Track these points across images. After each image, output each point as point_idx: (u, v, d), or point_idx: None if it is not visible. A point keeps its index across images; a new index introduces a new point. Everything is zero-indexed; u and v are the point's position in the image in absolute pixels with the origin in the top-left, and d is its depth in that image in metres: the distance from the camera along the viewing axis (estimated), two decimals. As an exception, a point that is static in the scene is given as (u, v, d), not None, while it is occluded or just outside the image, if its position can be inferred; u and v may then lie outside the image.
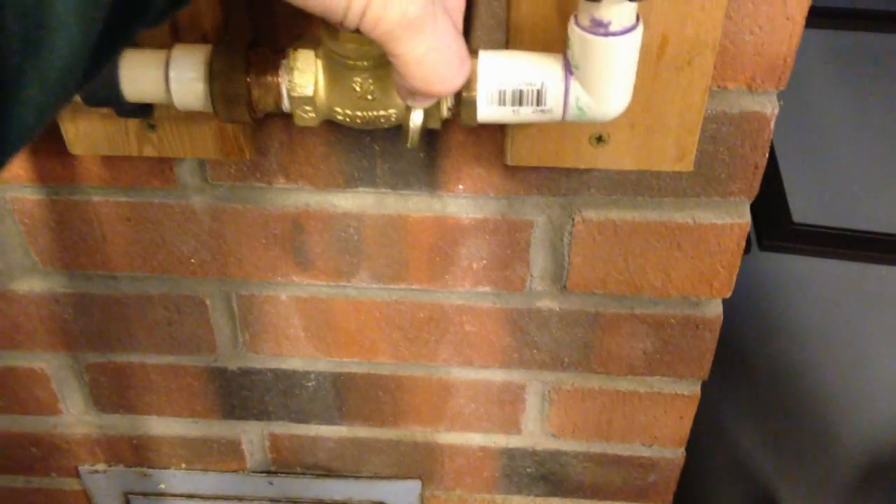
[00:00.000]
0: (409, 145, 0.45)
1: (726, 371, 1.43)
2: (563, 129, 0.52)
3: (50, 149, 0.60)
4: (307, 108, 0.46)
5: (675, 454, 0.77)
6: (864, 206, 1.66)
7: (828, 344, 1.46)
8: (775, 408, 1.37)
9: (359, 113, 0.46)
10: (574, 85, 0.45)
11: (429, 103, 0.42)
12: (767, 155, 0.57)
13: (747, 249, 1.69)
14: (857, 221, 1.61)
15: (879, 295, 1.52)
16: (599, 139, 0.53)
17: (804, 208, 1.65)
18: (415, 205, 0.63)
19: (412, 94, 0.38)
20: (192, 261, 0.67)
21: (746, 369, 1.42)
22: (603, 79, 0.44)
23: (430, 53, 0.35)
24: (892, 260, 1.56)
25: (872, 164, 1.75)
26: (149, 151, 0.54)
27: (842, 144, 1.80)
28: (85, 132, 0.53)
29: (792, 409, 1.36)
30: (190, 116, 0.53)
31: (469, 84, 0.45)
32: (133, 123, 0.53)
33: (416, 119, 0.44)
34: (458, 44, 0.36)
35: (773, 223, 1.64)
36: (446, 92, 0.37)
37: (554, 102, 0.45)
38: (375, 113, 0.46)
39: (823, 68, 1.94)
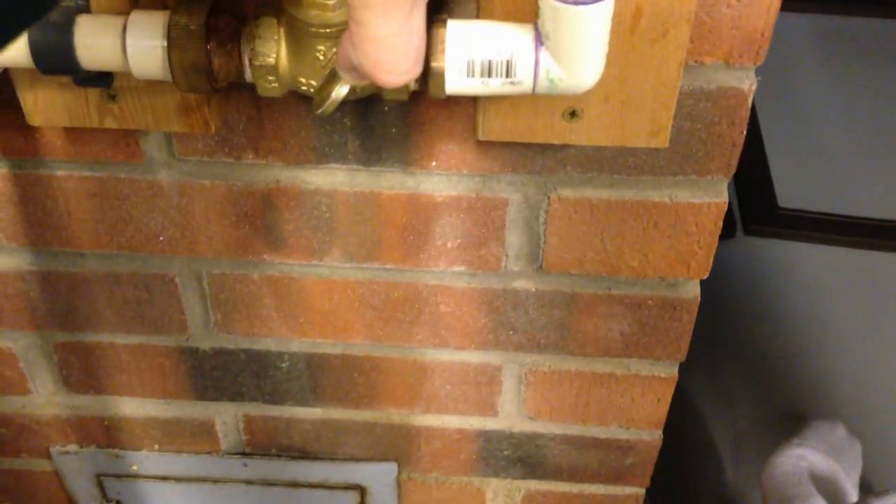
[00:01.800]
0: (318, 112, 0.43)
1: (709, 354, 1.42)
2: (535, 103, 0.51)
3: (11, 121, 0.59)
4: (270, 77, 0.45)
5: (652, 436, 0.77)
6: (850, 192, 1.66)
7: (812, 328, 1.46)
8: (758, 394, 1.37)
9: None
10: (545, 56, 0.44)
11: (361, 84, 0.41)
12: (745, 132, 0.56)
13: (732, 234, 1.70)
14: (842, 207, 1.61)
15: (864, 280, 1.52)
16: (573, 114, 0.51)
17: (790, 193, 1.65)
18: (387, 182, 0.61)
19: (353, 68, 0.37)
20: (161, 238, 0.65)
21: (730, 354, 1.42)
22: (574, 50, 0.43)
23: (392, 39, 0.34)
24: (877, 245, 1.56)
25: (859, 150, 1.75)
26: (110, 123, 0.53)
27: (828, 130, 1.79)
28: (44, 102, 0.52)
29: (773, 394, 1.36)
30: (152, 87, 0.51)
31: (437, 54, 0.44)
32: (93, 93, 0.51)
33: (341, 92, 0.43)
34: (421, 42, 0.35)
35: (758, 208, 1.64)
36: (387, 83, 0.36)
37: (524, 74, 0.44)
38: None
39: (811, 52, 1.93)
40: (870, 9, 2.00)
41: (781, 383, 1.38)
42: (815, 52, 1.94)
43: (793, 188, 1.66)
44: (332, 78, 0.43)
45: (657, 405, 0.74)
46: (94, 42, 0.44)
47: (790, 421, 1.27)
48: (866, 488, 1.13)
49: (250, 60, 0.44)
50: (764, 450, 1.06)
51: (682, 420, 0.81)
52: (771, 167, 1.69)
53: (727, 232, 1.56)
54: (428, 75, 0.44)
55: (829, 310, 1.48)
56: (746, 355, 1.42)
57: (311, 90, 0.45)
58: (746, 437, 1.29)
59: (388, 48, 0.34)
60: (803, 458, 0.99)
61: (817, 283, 1.53)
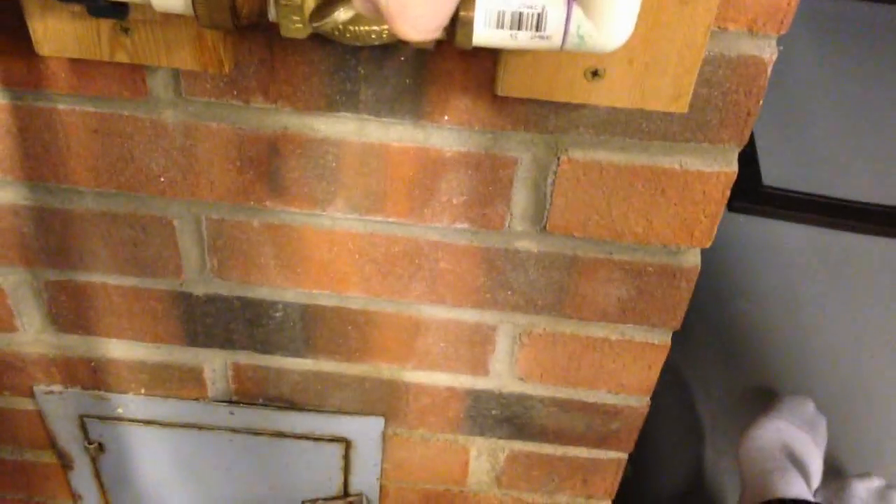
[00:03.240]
0: (312, 24, 0.42)
1: (688, 329, 1.44)
2: (558, 60, 0.51)
3: (15, 49, 0.57)
4: (295, 17, 0.44)
5: (640, 402, 0.77)
6: (835, 174, 1.67)
7: (790, 308, 1.48)
8: (734, 369, 1.39)
9: (350, 27, 0.44)
10: (576, 11, 0.43)
11: (370, 15, 0.39)
12: (761, 102, 0.56)
13: (718, 209, 1.69)
14: (827, 188, 1.63)
15: (844, 262, 1.54)
16: (595, 74, 0.51)
17: (775, 172, 1.66)
18: (397, 133, 0.61)
19: (373, 3, 0.35)
20: (162, 179, 0.64)
21: (707, 327, 1.43)
22: (606, 6, 0.42)
23: None
24: (859, 228, 1.58)
25: (846, 132, 1.76)
26: (121, 57, 0.52)
27: (816, 110, 1.80)
28: (54, 31, 0.50)
29: (751, 372, 1.38)
30: (167, 21, 0.50)
31: (467, 3, 0.43)
32: (106, 25, 0.50)
33: (342, 15, 0.42)
34: (450, 9, 0.34)
35: (743, 185, 1.64)
36: (406, 35, 0.34)
37: (554, 28, 0.44)
38: (367, 28, 0.44)
39: (801, 33, 1.93)
40: (864, -8, 2.00)
41: (756, 359, 1.40)
42: (805, 33, 1.94)
43: (778, 167, 1.67)
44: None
45: (648, 372, 0.75)
46: (115, -31, 0.42)
47: (764, 396, 1.30)
48: (831, 463, 1.16)
49: (276, -2, 0.43)
50: (740, 424, 1.08)
51: (659, 393, 0.83)
52: (757, 145, 1.70)
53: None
54: (456, 24, 0.44)
55: (808, 289, 1.50)
56: (724, 330, 1.44)
57: (336, 32, 0.44)
58: (723, 410, 1.31)
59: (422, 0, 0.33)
60: (780, 430, 1.01)
61: (798, 262, 1.54)
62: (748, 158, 1.68)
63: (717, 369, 1.38)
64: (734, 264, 1.54)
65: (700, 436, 1.29)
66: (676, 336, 0.73)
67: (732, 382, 1.36)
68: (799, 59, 1.89)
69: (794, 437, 1.04)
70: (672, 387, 1.33)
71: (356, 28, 0.44)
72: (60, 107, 0.60)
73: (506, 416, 0.81)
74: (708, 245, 0.65)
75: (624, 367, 0.74)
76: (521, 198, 0.63)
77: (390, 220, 0.66)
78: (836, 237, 1.57)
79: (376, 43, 0.45)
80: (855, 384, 1.36)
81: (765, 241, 1.58)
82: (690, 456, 1.26)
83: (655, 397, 0.78)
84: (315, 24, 0.42)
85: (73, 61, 0.57)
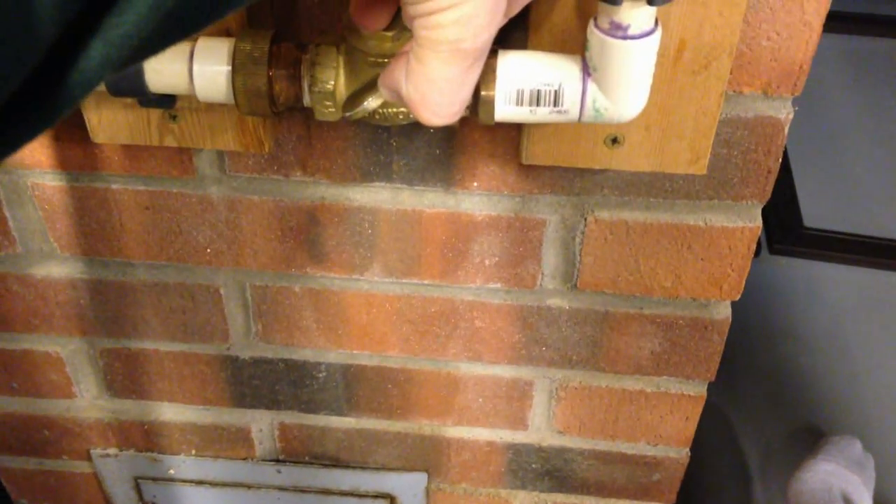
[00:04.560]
0: (345, 114, 0.45)
1: (734, 373, 1.43)
2: (578, 129, 0.53)
3: (72, 136, 0.61)
4: (328, 103, 0.47)
5: (679, 454, 0.78)
6: (876, 213, 1.66)
7: (836, 349, 1.46)
8: (782, 412, 1.37)
9: (379, 110, 0.47)
10: (591, 87, 0.45)
11: (395, 101, 0.41)
12: (780, 160, 0.57)
13: (757, 252, 1.70)
14: (868, 227, 1.61)
15: (889, 302, 1.52)
16: (615, 141, 0.53)
17: (816, 213, 1.65)
18: (429, 201, 0.63)
19: (396, 92, 0.38)
20: (208, 250, 0.68)
21: (754, 372, 1.42)
22: (620, 81, 0.45)
23: (446, 83, 0.34)
24: (903, 267, 1.56)
25: (885, 171, 1.75)
26: (169, 142, 0.55)
27: (855, 150, 1.79)
28: (108, 121, 0.54)
29: (798, 414, 1.37)
30: (211, 108, 0.53)
31: (488, 83, 0.46)
32: (155, 114, 0.54)
33: (373, 104, 0.45)
34: (469, 93, 0.36)
35: (784, 227, 1.64)
36: (428, 121, 0.36)
37: (571, 104, 0.46)
38: (394, 109, 0.47)
39: (839, 73, 1.93)
40: (898, 30, 2.00)
41: (803, 401, 1.39)
42: (843, 73, 1.94)
43: (819, 208, 1.66)
44: (370, 87, 0.45)
45: (685, 423, 0.75)
46: (162, 67, 0.46)
47: (811, 438, 1.28)
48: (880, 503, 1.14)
49: (310, 87, 0.47)
50: (788, 466, 1.07)
51: (707, 436, 0.83)
52: (797, 186, 1.70)
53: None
54: (478, 103, 0.46)
55: (853, 329, 1.49)
56: (769, 372, 1.43)
57: (366, 115, 0.47)
58: (772, 453, 1.30)
59: (439, 90, 0.35)
60: (830, 472, 1.00)
61: (842, 302, 1.53)
62: (788, 201, 1.68)
63: (763, 412, 1.37)
64: (778, 307, 1.53)
65: (748, 479, 1.27)
66: (723, 380, 0.73)
67: (779, 425, 1.35)
68: (836, 99, 1.89)
69: (844, 479, 1.03)
70: (719, 430, 1.32)
71: (384, 111, 0.47)
72: (114, 186, 0.65)
73: (546, 470, 0.82)
74: (737, 298, 0.66)
75: (661, 419, 0.75)
76: (551, 257, 0.65)
77: (425, 282, 0.68)
78: (879, 276, 1.55)
79: (403, 123, 0.47)
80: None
81: (808, 282, 1.57)
82: (739, 500, 1.25)
83: (703, 441, 0.78)
84: (348, 114, 0.45)
85: (126, 146, 0.61)
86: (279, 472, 0.85)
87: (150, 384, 0.79)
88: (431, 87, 0.35)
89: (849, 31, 1.96)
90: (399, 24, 0.42)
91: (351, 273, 0.68)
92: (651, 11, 0.42)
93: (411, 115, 0.47)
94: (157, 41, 0.23)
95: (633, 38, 0.43)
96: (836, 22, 1.89)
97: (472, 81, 0.35)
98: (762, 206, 0.61)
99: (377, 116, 0.47)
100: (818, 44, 0.52)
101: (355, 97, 0.45)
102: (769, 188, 0.59)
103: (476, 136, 0.59)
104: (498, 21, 0.33)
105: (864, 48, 1.99)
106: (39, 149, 0.63)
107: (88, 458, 0.86)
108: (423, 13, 0.32)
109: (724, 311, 0.67)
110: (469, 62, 0.34)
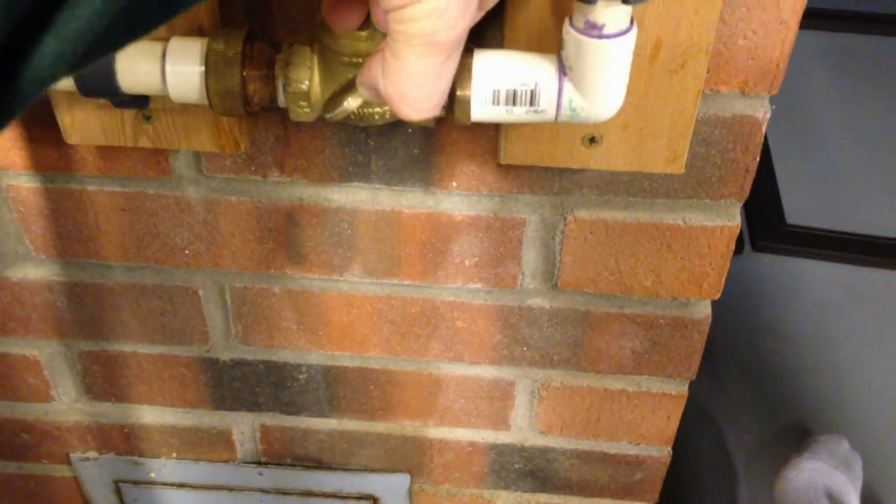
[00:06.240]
0: (326, 116, 0.44)
1: (718, 371, 1.44)
2: (556, 129, 0.53)
3: (46, 137, 0.61)
4: (302, 103, 0.47)
5: (661, 452, 0.78)
6: (858, 209, 1.67)
7: (820, 346, 1.47)
8: (766, 409, 1.38)
9: (356, 110, 0.46)
10: (568, 86, 0.45)
11: (374, 99, 0.41)
12: (759, 158, 0.57)
13: (740, 250, 1.71)
14: (850, 224, 1.62)
15: (871, 298, 1.53)
16: (592, 140, 0.53)
17: (798, 210, 1.66)
18: (408, 201, 0.63)
19: (374, 89, 0.37)
20: (186, 252, 0.67)
21: (738, 369, 1.43)
22: (596, 81, 0.44)
23: (423, 77, 0.34)
24: (885, 263, 1.57)
25: (867, 167, 1.76)
26: (144, 143, 0.55)
27: (837, 147, 1.80)
28: (80, 122, 0.54)
29: (783, 411, 1.37)
30: (185, 108, 0.53)
31: (463, 83, 0.45)
32: (129, 114, 0.53)
33: (353, 104, 0.44)
34: (448, 85, 0.36)
35: (766, 224, 1.65)
36: (407, 116, 0.36)
37: (547, 103, 0.46)
38: (370, 109, 0.46)
39: (819, 70, 1.95)
40: (880, 27, 2.01)
41: (788, 398, 1.39)
42: (824, 70, 1.95)
43: (801, 205, 1.67)
44: (348, 88, 0.45)
45: (667, 422, 0.75)
46: (134, 67, 0.45)
47: (796, 436, 1.29)
48: (867, 501, 1.14)
49: (284, 86, 0.46)
50: (773, 464, 1.08)
51: (692, 435, 0.83)
52: (779, 184, 1.71)
53: (735, 248, 1.57)
54: (454, 103, 0.46)
55: (835, 326, 1.49)
56: (753, 370, 1.43)
57: (346, 115, 0.47)
58: (755, 451, 1.30)
59: (416, 84, 0.35)
60: (818, 471, 1.01)
61: (824, 299, 1.54)
62: (771, 198, 1.69)
63: (748, 409, 1.37)
64: (762, 304, 1.53)
65: (733, 477, 1.28)
66: (707, 378, 0.73)
67: (764, 422, 1.35)
68: (817, 96, 1.90)
69: (830, 478, 1.03)
70: (704, 428, 1.33)
71: (362, 111, 0.46)
72: (90, 188, 0.64)
73: (529, 470, 0.81)
74: (717, 296, 0.66)
75: (643, 418, 0.75)
76: (531, 257, 0.65)
77: (405, 282, 0.68)
78: (861, 273, 1.56)
79: (380, 123, 0.47)
80: (886, 420, 1.35)
81: (791, 279, 1.58)
82: (724, 498, 1.25)
83: (687, 440, 0.79)
84: (328, 116, 0.45)
85: (101, 147, 0.60)
86: (261, 474, 0.84)
87: (130, 387, 0.78)
88: (409, 81, 0.35)
89: (830, 28, 1.97)
90: (372, 23, 0.42)
91: (330, 274, 0.68)
92: (626, 10, 0.42)
93: (388, 116, 0.47)
94: (113, 37, 0.23)
95: (608, 37, 0.42)
96: (817, 19, 1.91)
97: (450, 74, 0.35)
98: (741, 205, 0.61)
99: (353, 117, 0.47)
100: (799, 41, 0.52)
101: (334, 98, 0.45)
102: (748, 187, 0.59)
103: (454, 136, 0.59)
104: (472, 12, 0.33)
105: (846, 45, 2.01)
106: (13, 150, 0.62)
107: (68, 461, 0.85)
108: (397, 6, 0.32)
109: (704, 310, 0.67)
110: (445, 54, 0.34)
